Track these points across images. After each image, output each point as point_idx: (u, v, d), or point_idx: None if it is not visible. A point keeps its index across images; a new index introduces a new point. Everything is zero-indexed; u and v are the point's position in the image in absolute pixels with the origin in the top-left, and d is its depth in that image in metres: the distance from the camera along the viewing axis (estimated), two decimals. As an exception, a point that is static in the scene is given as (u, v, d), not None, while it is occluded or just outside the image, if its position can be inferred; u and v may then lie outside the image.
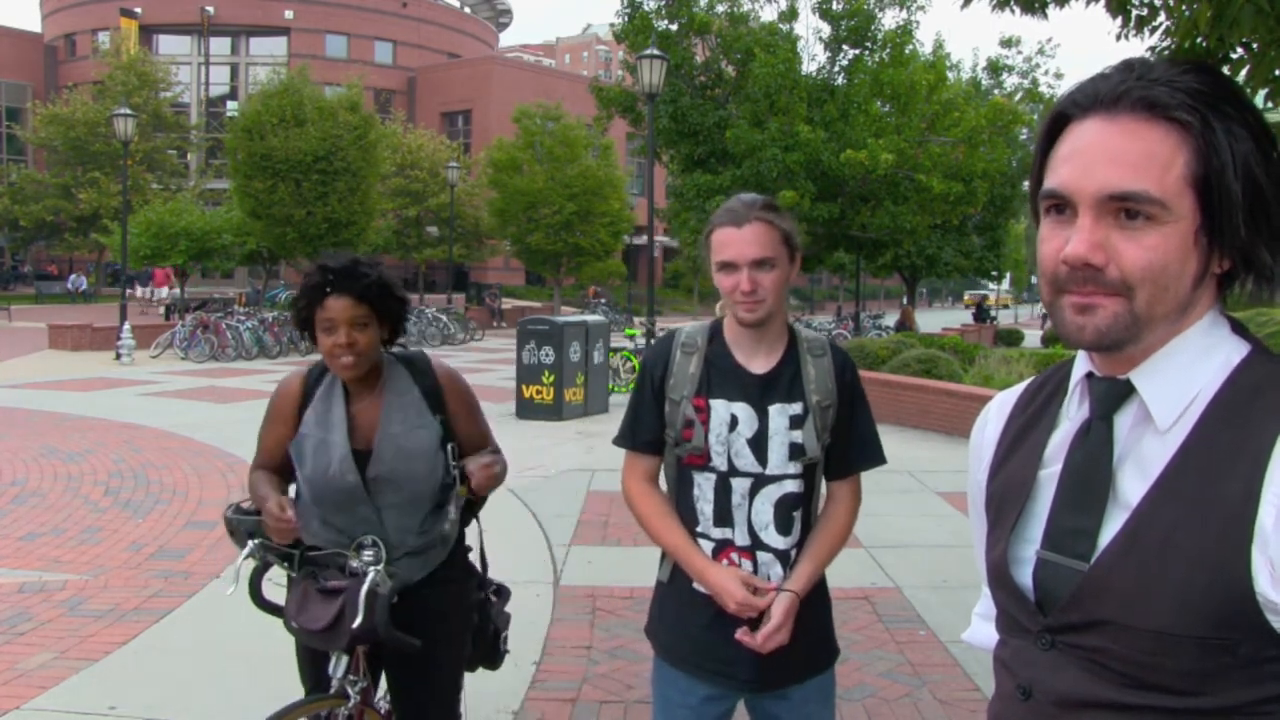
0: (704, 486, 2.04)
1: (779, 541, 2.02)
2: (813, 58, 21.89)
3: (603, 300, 41.10)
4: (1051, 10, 5.31)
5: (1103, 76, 0.99)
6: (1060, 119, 1.01)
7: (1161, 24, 4.61)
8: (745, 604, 1.93)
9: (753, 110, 19.15)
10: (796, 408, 2.02)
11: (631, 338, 16.43)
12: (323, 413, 2.37)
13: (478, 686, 3.69)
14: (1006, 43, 34.55)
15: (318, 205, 26.50)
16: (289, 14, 51.34)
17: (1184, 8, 4.28)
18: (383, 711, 2.57)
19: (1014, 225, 34.88)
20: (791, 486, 2.02)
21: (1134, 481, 0.99)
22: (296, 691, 2.52)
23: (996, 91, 28.42)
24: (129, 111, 20.83)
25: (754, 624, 1.96)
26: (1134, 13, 4.66)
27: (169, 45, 51.03)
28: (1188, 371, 0.99)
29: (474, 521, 2.65)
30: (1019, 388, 1.23)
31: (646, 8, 20.45)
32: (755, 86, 19.05)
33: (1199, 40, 4.06)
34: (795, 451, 2.01)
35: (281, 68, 33.45)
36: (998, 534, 1.11)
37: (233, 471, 8.24)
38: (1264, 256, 0.97)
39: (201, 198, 37.67)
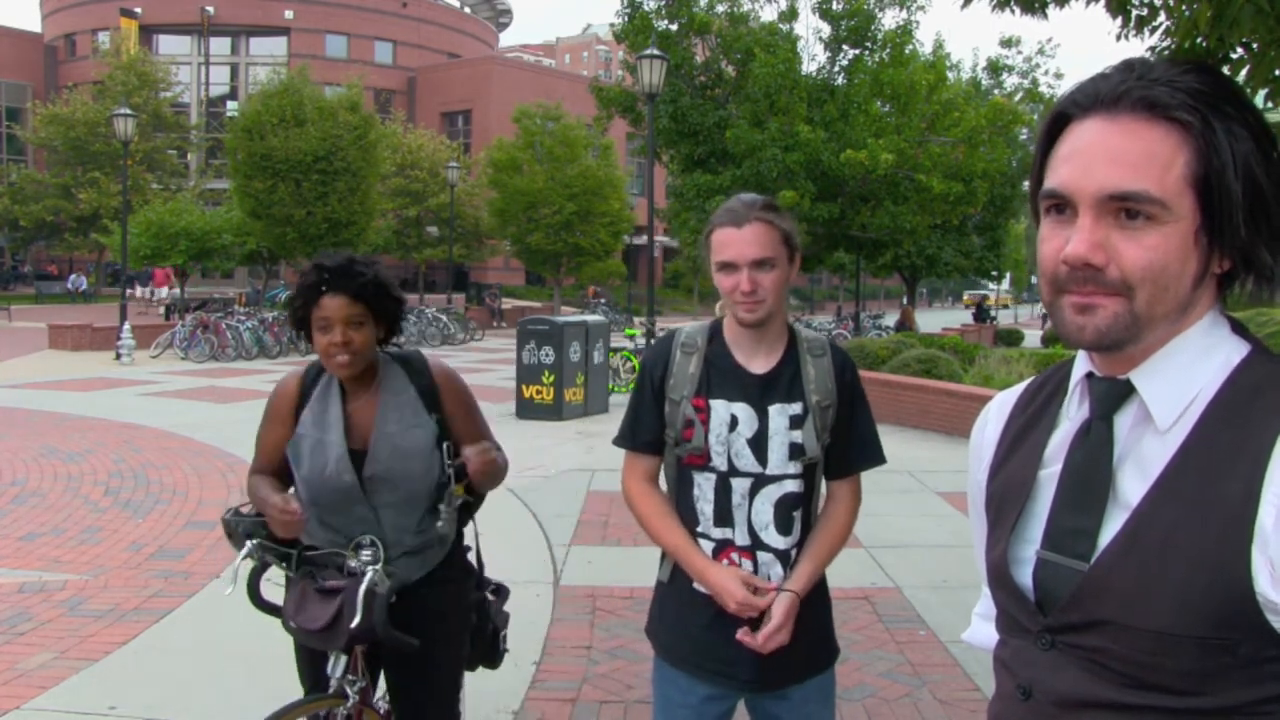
0: (704, 486, 2.04)
1: (779, 541, 2.02)
2: (813, 58, 21.92)
3: (603, 300, 41.09)
4: (1051, 10, 5.31)
5: (1103, 76, 0.99)
6: (1060, 119, 1.01)
7: (1161, 24, 4.61)
8: (746, 603, 1.93)
9: (753, 110, 19.15)
10: (796, 408, 2.02)
11: (631, 338, 16.43)
12: (319, 413, 2.37)
13: (478, 686, 3.69)
14: (1006, 43, 34.57)
15: (318, 205, 26.51)
16: (289, 14, 51.34)
17: (1184, 8, 4.28)
18: (382, 711, 2.57)
19: (1014, 225, 34.89)
20: (791, 486, 2.02)
21: (1134, 481, 0.99)
22: (296, 691, 2.52)
23: (996, 91, 28.42)
24: (129, 111, 20.83)
25: (754, 624, 1.96)
26: (1134, 13, 4.66)
27: (169, 45, 51.02)
28: (1188, 371, 0.99)
29: (470, 522, 2.65)
30: (1019, 388, 1.23)
31: (646, 8, 20.45)
32: (755, 86, 19.05)
33: (1199, 40, 4.06)
34: (795, 451, 2.01)
35: (281, 68, 33.46)
36: (998, 534, 1.11)
37: (233, 471, 8.24)
38: (1264, 256, 0.97)
39: (201, 198, 37.68)
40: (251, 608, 2.49)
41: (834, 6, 20.79)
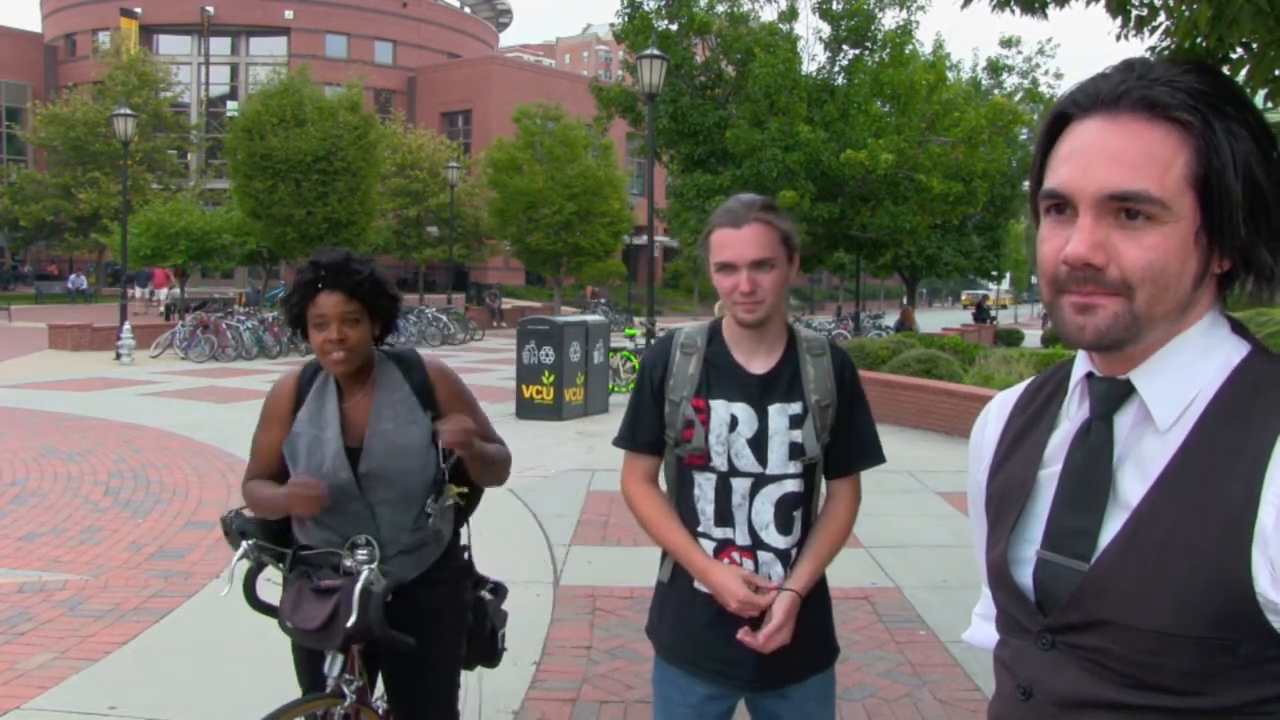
0: (704, 487, 2.04)
1: (779, 541, 2.02)
2: (813, 58, 21.93)
3: (602, 300, 41.09)
4: (1051, 10, 5.31)
5: (1103, 76, 0.99)
6: (1060, 119, 1.01)
7: (1161, 24, 4.61)
8: (747, 602, 1.93)
9: (753, 110, 19.15)
10: (796, 407, 2.03)
11: (631, 338, 16.43)
12: (315, 411, 2.38)
13: (478, 686, 3.69)
14: (1006, 43, 34.59)
15: (318, 205, 26.51)
16: (289, 14, 51.34)
17: (1184, 8, 4.29)
18: (380, 711, 2.57)
19: (1014, 225, 34.88)
20: (791, 486, 2.02)
21: (1134, 481, 0.99)
22: (296, 691, 2.52)
23: (996, 91, 28.43)
24: (129, 111, 20.82)
25: (755, 624, 1.96)
26: (1134, 13, 4.66)
27: (169, 45, 51.03)
28: (1188, 371, 0.99)
29: (466, 523, 2.65)
30: (1019, 388, 1.23)
31: (646, 8, 20.46)
32: (755, 86, 19.06)
33: (1199, 40, 4.06)
34: (795, 451, 2.01)
35: (281, 68, 33.46)
36: (998, 534, 1.11)
37: (232, 471, 8.24)
38: (1264, 256, 0.97)
39: (201, 198, 37.68)
40: (251, 608, 2.49)
41: (834, 6, 20.80)
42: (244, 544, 2.39)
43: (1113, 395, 1.03)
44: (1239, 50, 4.36)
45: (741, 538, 2.02)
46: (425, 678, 2.48)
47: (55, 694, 3.86)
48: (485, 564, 2.84)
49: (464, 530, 2.63)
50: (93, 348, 20.85)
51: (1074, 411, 1.08)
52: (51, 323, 22.55)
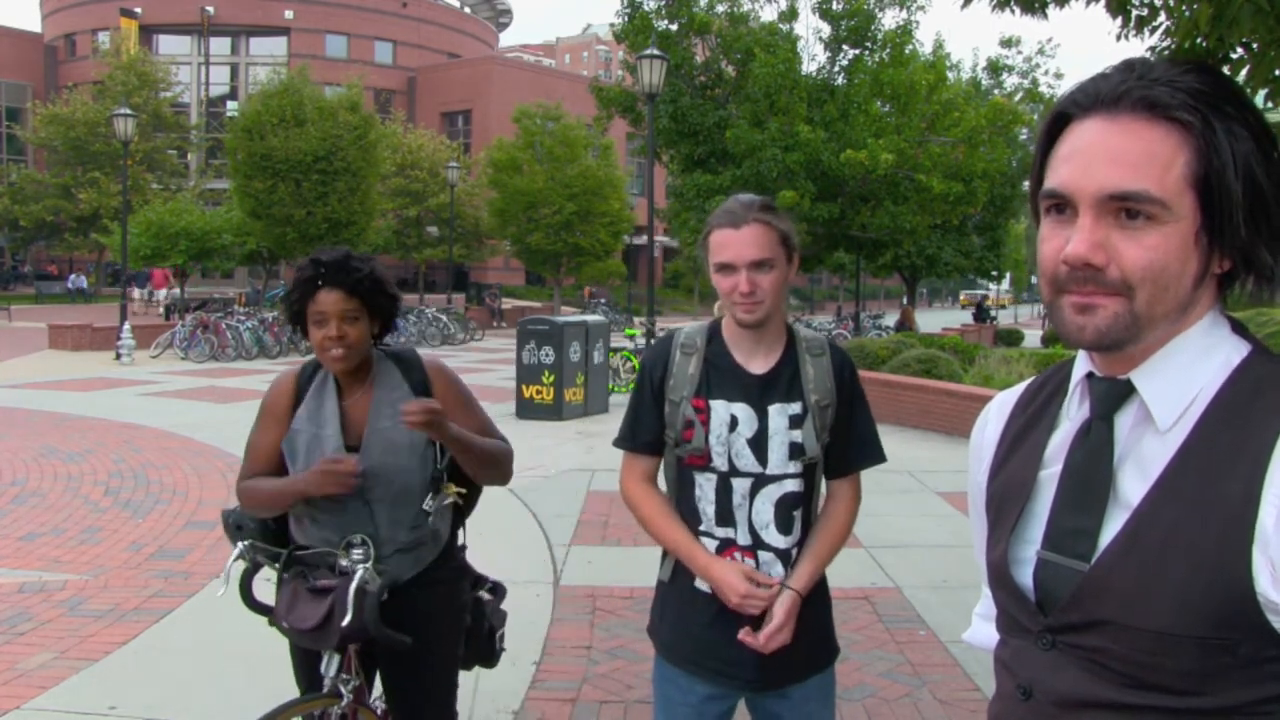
0: (705, 487, 2.04)
1: (780, 541, 2.02)
2: (813, 58, 21.93)
3: (602, 300, 41.09)
4: (1051, 10, 5.31)
5: (1103, 76, 0.99)
6: (1061, 119, 1.01)
7: (1161, 24, 4.61)
8: (748, 596, 1.94)
9: (753, 110, 19.15)
10: (796, 407, 2.03)
11: (631, 338, 16.43)
12: (314, 409, 2.38)
13: (478, 686, 3.69)
14: (1006, 43, 34.60)
15: (318, 205, 26.52)
16: (289, 14, 51.34)
17: (1184, 8, 4.29)
18: (379, 712, 2.58)
19: (1014, 225, 34.89)
20: (792, 486, 2.02)
21: (1134, 482, 0.99)
22: (294, 691, 2.52)
23: (996, 91, 28.43)
24: (129, 111, 20.83)
25: (756, 624, 1.96)
26: (1134, 13, 4.66)
27: (169, 45, 51.03)
28: (1188, 371, 0.99)
29: (463, 524, 2.65)
30: (1019, 388, 1.23)
31: (646, 8, 20.46)
32: (755, 86, 19.06)
33: (1199, 40, 4.06)
34: (795, 451, 2.02)
35: (281, 68, 33.46)
36: (998, 534, 1.11)
37: (232, 471, 8.23)
38: (1264, 256, 0.97)
39: (201, 198, 37.68)
40: (247, 608, 2.50)
41: (834, 6, 20.80)
42: (240, 545, 2.39)
43: (1113, 395, 1.03)
44: (1239, 50, 4.36)
45: (742, 537, 2.02)
46: (423, 678, 2.48)
47: (55, 694, 3.86)
48: (485, 564, 2.84)
49: (461, 530, 2.63)
50: (93, 348, 20.86)
51: (1074, 411, 1.08)
52: (51, 323, 22.55)
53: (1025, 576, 1.06)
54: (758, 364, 2.05)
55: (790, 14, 21.07)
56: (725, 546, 2.03)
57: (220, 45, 51.75)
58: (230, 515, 2.47)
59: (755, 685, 2.05)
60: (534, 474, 8.23)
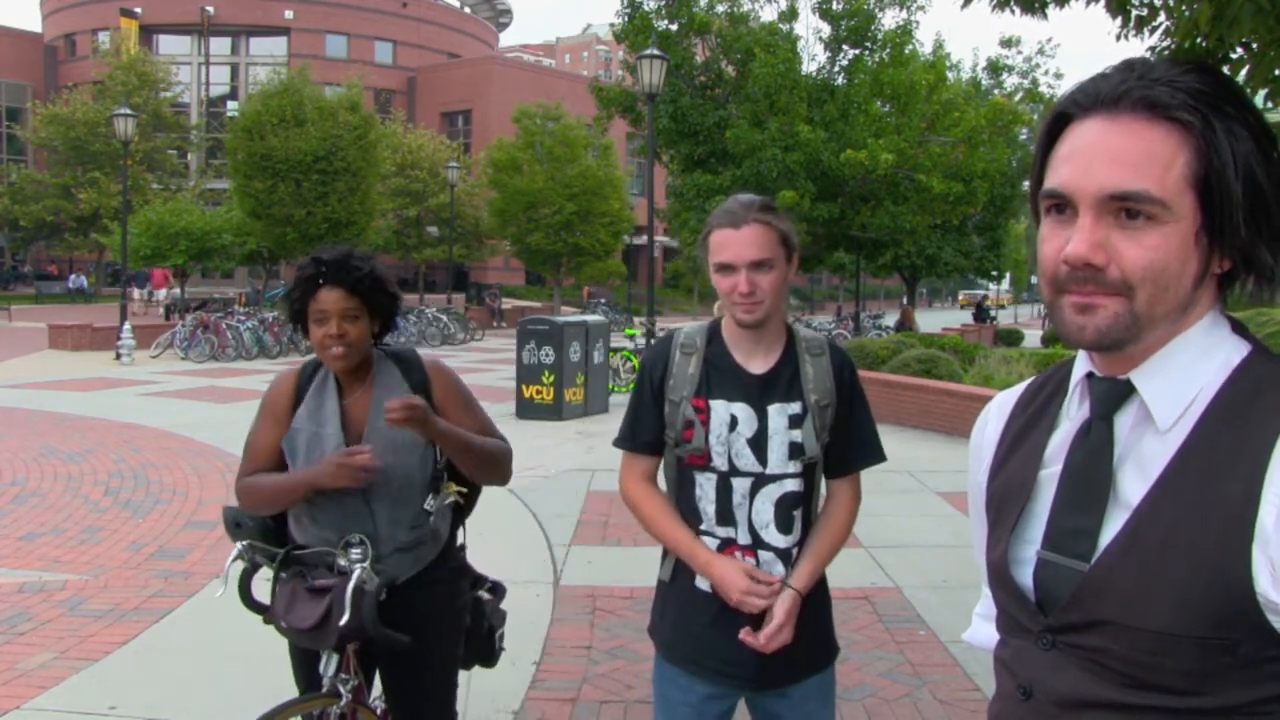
0: (706, 487, 2.04)
1: (780, 540, 2.02)
2: (813, 58, 21.93)
3: (602, 300, 41.09)
4: (1051, 10, 5.31)
5: (1103, 76, 0.99)
6: (1061, 119, 1.01)
7: (1161, 24, 4.62)
8: (749, 593, 1.94)
9: (753, 110, 19.15)
10: (795, 407, 2.03)
11: (631, 338, 16.43)
12: (315, 408, 2.38)
13: (478, 686, 3.69)
14: (1006, 43, 34.60)
15: (318, 205, 26.52)
16: (289, 14, 51.34)
17: (1184, 8, 4.29)
18: (379, 711, 2.58)
19: (1014, 225, 34.88)
20: (791, 485, 2.02)
21: (1134, 482, 0.99)
22: (294, 691, 2.52)
23: (996, 91, 28.43)
24: (129, 111, 20.83)
25: (756, 624, 1.96)
26: (1134, 13, 4.66)
27: (169, 45, 51.04)
28: (1188, 371, 0.99)
29: (463, 524, 2.65)
30: (1019, 388, 1.23)
31: (646, 8, 20.46)
32: (755, 86, 19.06)
33: (1199, 40, 4.06)
34: (795, 451, 2.02)
35: (281, 68, 33.47)
36: (998, 534, 1.11)
37: (232, 471, 8.22)
38: (1264, 256, 0.97)
39: (201, 198, 37.69)
40: (246, 608, 2.50)
41: (834, 6, 20.80)
42: (238, 545, 2.40)
43: (1113, 395, 1.03)
44: (1239, 50, 4.36)
45: (743, 537, 2.02)
46: (423, 678, 2.48)
47: (55, 694, 3.86)
48: (485, 564, 2.84)
49: (461, 530, 2.63)
50: (93, 348, 20.86)
51: (1074, 411, 1.08)
52: (51, 323, 22.55)
53: (1025, 576, 1.06)
54: (757, 364, 2.05)
55: (790, 14, 21.07)
56: (726, 546, 2.03)
57: (220, 45, 51.75)
58: (230, 512, 2.48)
59: (755, 685, 2.06)
60: (534, 474, 8.23)
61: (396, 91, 53.75)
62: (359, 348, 2.33)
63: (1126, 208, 0.94)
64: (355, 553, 2.30)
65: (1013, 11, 5.32)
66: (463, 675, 2.64)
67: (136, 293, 35.32)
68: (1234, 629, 0.91)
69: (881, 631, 4.66)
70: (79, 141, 38.39)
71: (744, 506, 2.02)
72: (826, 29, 21.09)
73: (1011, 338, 29.48)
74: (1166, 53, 4.49)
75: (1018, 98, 28.27)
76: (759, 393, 2.03)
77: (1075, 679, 1.00)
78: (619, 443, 2.18)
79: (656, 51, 14.78)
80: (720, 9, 21.03)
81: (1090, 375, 1.06)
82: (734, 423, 2.02)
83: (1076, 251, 0.95)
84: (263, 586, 2.47)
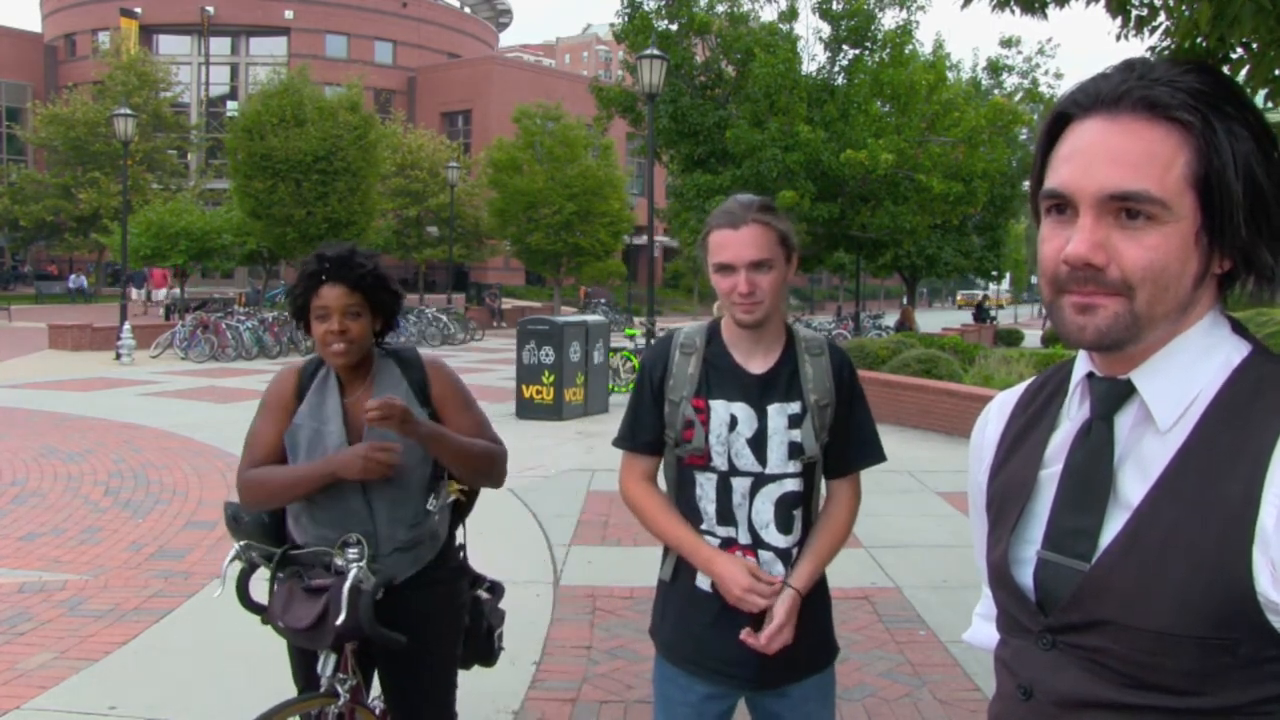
0: (705, 486, 2.04)
1: (780, 540, 2.02)
2: (813, 58, 21.93)
3: (602, 300, 41.09)
4: (1051, 10, 5.31)
5: (1103, 76, 0.99)
6: (1061, 119, 1.01)
7: (1161, 24, 4.61)
8: (751, 590, 1.94)
9: (753, 110, 19.15)
10: (795, 407, 2.03)
11: (631, 338, 16.43)
12: (316, 405, 2.38)
13: (477, 686, 3.69)
14: (1006, 43, 34.59)
15: (318, 205, 26.52)
16: (289, 14, 51.36)
17: (1184, 8, 4.29)
18: (377, 711, 2.58)
19: (1014, 225, 34.89)
20: (791, 485, 2.02)
21: (1134, 482, 0.99)
22: (294, 691, 2.52)
23: (996, 91, 28.43)
24: (129, 111, 20.84)
25: (757, 624, 1.96)
26: (1134, 13, 4.66)
27: (169, 45, 51.05)
28: (1188, 371, 0.99)
29: (462, 524, 2.65)
30: (1019, 388, 1.23)
31: (646, 8, 20.46)
32: (755, 86, 19.06)
33: (1199, 40, 4.06)
34: (794, 450, 2.02)
35: (281, 68, 33.47)
36: (998, 534, 1.11)
37: (232, 471, 8.21)
38: (1264, 257, 0.97)
39: (201, 198, 37.70)
40: (244, 608, 2.50)
41: (834, 6, 20.80)
42: (236, 545, 2.41)
43: (1113, 395, 1.03)
44: (1239, 50, 4.36)
45: (743, 537, 2.02)
46: (422, 678, 2.48)
47: (55, 694, 3.86)
48: (485, 564, 2.84)
49: (460, 530, 2.63)
50: (93, 348, 20.86)
51: (1074, 412, 1.08)
52: (51, 323, 22.56)
53: (1025, 576, 1.06)
54: (757, 364, 2.05)
55: (790, 14, 21.07)
56: (726, 545, 2.03)
57: (220, 45, 51.76)
58: (231, 507, 2.48)
59: (755, 685, 2.06)
60: (534, 474, 8.23)
61: (396, 91, 53.76)
62: (360, 345, 2.34)
63: (1127, 208, 0.94)
64: (352, 552, 2.30)
65: (1013, 11, 5.32)
66: (462, 675, 2.65)
67: (135, 293, 35.33)
68: (1234, 629, 0.91)
69: (881, 631, 4.66)
70: (79, 141, 38.40)
71: (744, 506, 2.02)
72: (826, 29, 21.10)
73: (1011, 338, 29.48)
74: (1166, 53, 4.49)
75: (1018, 98, 28.27)
76: (758, 392, 2.03)
77: (1075, 679, 1.00)
78: (619, 443, 2.18)
79: (656, 51, 14.78)
80: (720, 9, 21.03)
81: (1090, 375, 1.06)
82: (734, 422, 2.02)
83: (1076, 251, 0.95)
84: (261, 586, 2.47)
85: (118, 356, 18.68)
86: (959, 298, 68.03)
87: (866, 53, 20.73)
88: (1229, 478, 0.93)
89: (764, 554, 2.02)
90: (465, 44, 59.08)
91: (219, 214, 29.55)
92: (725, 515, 2.03)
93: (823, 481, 2.14)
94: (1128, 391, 1.02)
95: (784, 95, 18.91)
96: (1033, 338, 29.26)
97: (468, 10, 64.14)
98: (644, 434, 2.12)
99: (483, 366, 18.77)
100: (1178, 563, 0.93)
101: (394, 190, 37.99)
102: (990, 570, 1.12)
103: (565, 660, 4.28)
